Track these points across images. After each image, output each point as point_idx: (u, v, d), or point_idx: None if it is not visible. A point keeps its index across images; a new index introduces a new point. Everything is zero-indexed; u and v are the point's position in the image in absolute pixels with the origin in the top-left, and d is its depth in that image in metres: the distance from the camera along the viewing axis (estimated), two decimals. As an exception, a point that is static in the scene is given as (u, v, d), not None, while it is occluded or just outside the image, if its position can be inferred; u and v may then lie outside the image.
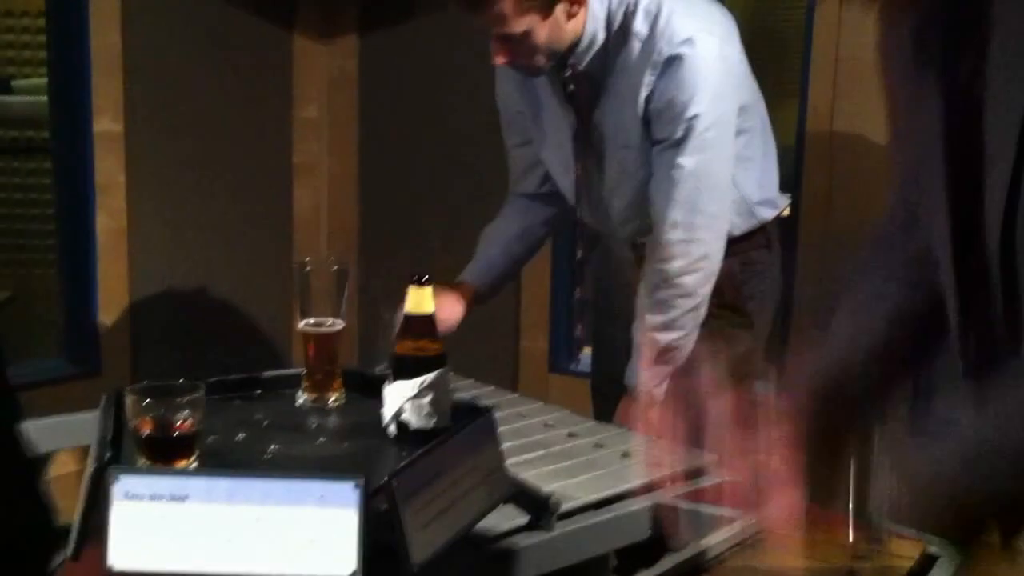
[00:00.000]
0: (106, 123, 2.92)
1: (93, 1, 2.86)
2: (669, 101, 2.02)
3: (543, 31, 2.00)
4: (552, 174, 2.32)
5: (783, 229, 2.39)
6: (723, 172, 2.09)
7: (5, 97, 3.90)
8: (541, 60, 2.06)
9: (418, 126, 3.08)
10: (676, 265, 2.07)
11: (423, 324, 1.71)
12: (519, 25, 1.98)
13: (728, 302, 2.23)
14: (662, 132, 2.06)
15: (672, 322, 2.10)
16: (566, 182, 2.28)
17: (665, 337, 2.10)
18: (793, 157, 2.81)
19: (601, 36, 2.07)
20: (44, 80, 3.26)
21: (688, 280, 2.08)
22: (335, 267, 1.90)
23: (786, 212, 2.80)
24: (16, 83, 4.00)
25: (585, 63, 2.10)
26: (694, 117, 2.01)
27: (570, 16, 2.03)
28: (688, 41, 2.00)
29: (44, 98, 3.18)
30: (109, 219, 2.97)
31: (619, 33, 2.06)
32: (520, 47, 2.01)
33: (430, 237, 3.07)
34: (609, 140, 2.14)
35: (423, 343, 1.69)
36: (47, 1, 3.02)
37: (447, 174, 3.08)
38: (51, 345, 3.27)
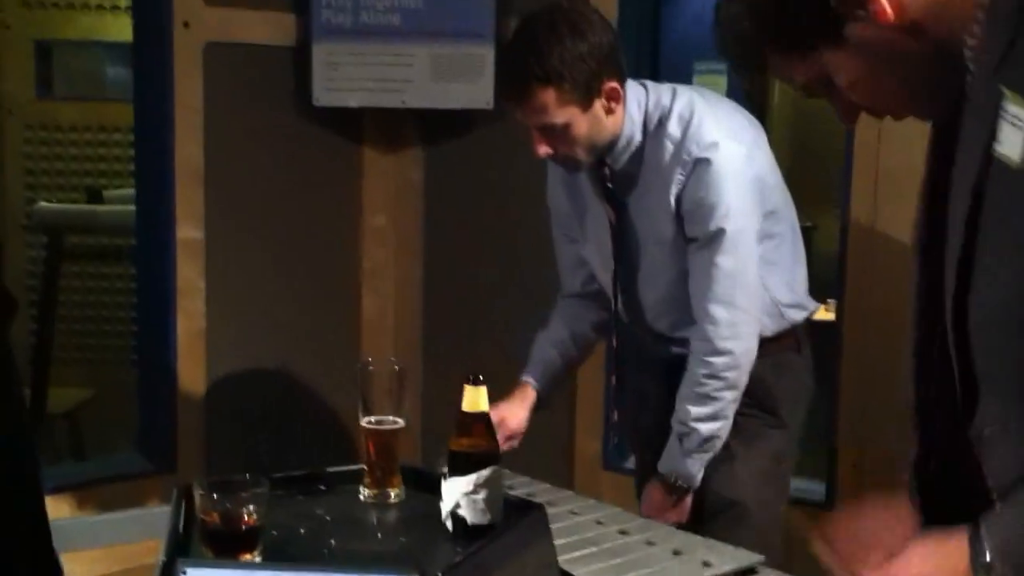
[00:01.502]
0: (188, 231, 3.06)
1: (178, 117, 3.01)
2: (699, 202, 2.12)
3: (583, 124, 2.10)
4: (595, 272, 2.40)
5: (825, 334, 2.43)
6: (754, 271, 2.18)
7: (96, 206, 4.10)
8: (581, 153, 2.15)
9: (480, 234, 3.18)
10: (722, 360, 2.15)
11: (478, 422, 1.78)
12: (560, 116, 2.08)
13: (761, 403, 2.28)
14: (695, 231, 2.15)
15: (717, 413, 2.17)
16: (606, 278, 2.36)
17: (709, 427, 2.18)
18: (836, 263, 2.86)
19: (638, 138, 2.18)
20: (132, 190, 3.42)
21: (732, 374, 2.16)
22: (396, 367, 1.98)
23: (827, 314, 2.83)
24: (107, 193, 4.22)
25: (622, 163, 2.21)
26: (724, 218, 2.11)
27: (609, 112, 2.14)
28: (715, 145, 2.12)
29: (132, 207, 3.33)
30: (188, 321, 3.09)
31: (654, 135, 2.17)
32: (561, 139, 2.11)
33: (491, 341, 3.15)
34: (643, 235, 2.24)
35: (477, 440, 1.76)
36: (136, 117, 3.18)
37: (508, 280, 3.17)
38: (129, 442, 3.38)
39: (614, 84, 2.11)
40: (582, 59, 2.05)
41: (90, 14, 4.68)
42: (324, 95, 3.05)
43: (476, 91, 3.03)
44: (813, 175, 4.52)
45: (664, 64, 3.20)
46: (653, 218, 2.20)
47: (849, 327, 2.81)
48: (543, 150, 2.14)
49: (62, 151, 4.67)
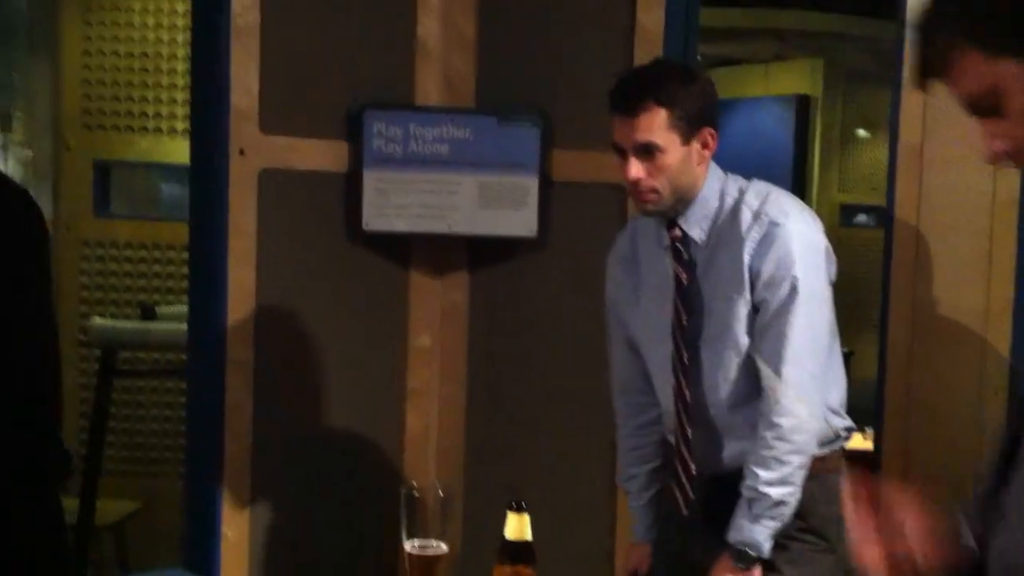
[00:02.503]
0: (238, 351, 3.14)
1: (232, 240, 3.11)
2: (772, 264, 2.22)
3: (677, 156, 2.24)
4: (645, 354, 2.46)
5: (863, 465, 2.45)
6: (824, 335, 2.27)
7: (149, 324, 4.21)
8: (665, 187, 2.26)
9: (523, 357, 3.24)
10: (789, 422, 2.20)
11: (521, 550, 1.82)
12: (662, 139, 2.23)
13: (811, 526, 2.31)
14: (765, 294, 2.23)
15: (786, 478, 2.21)
16: (658, 353, 2.40)
17: (779, 492, 2.20)
18: (874, 392, 2.89)
19: (714, 204, 2.30)
20: (184, 307, 3.51)
21: (800, 438, 2.21)
22: (441, 492, 2.02)
23: (865, 443, 2.85)
24: (160, 310, 4.33)
25: (695, 226, 2.31)
26: (797, 279, 2.21)
27: (700, 160, 2.28)
28: (791, 215, 2.26)
29: (183, 325, 3.42)
30: (235, 439, 3.15)
31: (732, 208, 2.29)
32: (653, 167, 2.24)
33: (534, 465, 3.19)
34: (708, 295, 2.31)
35: (520, 568, 1.80)
36: (191, 239, 3.28)
37: (551, 404, 3.22)
38: (174, 556, 3.41)
39: (712, 133, 2.28)
40: (693, 96, 2.25)
41: (148, 137, 4.87)
42: (374, 220, 3.15)
43: (521, 219, 3.12)
44: (851, 301, 4.57)
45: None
46: (723, 276, 2.29)
47: (888, 457, 2.83)
48: (635, 171, 2.25)
49: (117, 267, 4.83)
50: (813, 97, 7.52)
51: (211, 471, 3.17)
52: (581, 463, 3.17)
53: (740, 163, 2.47)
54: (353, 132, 3.16)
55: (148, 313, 4.28)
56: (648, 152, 2.24)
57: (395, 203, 3.14)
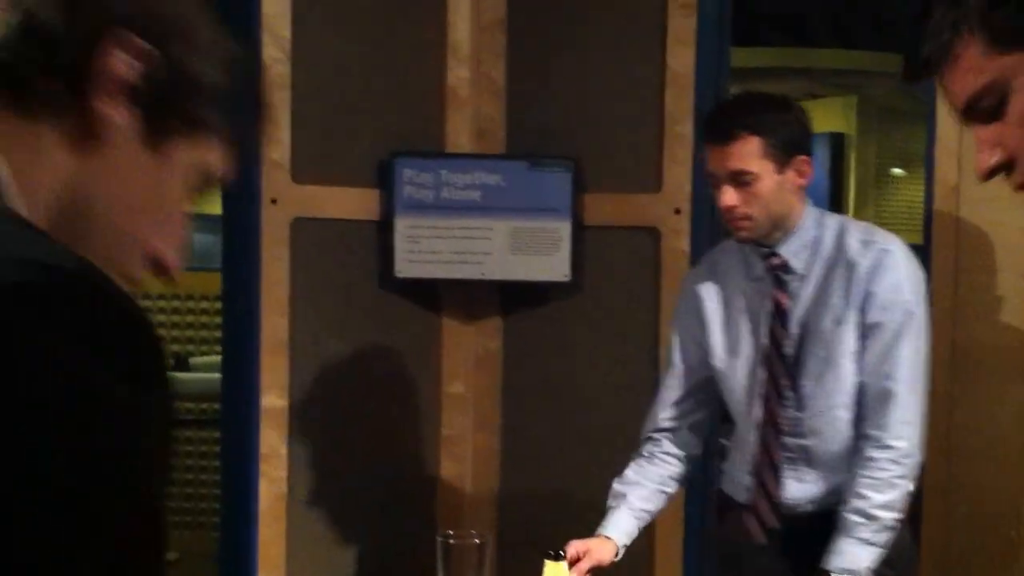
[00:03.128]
0: (272, 399, 3.14)
1: (264, 289, 3.12)
2: (887, 287, 2.23)
3: (771, 183, 2.24)
4: (727, 387, 2.42)
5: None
6: (926, 365, 2.27)
7: (182, 374, 4.22)
8: (760, 214, 2.26)
9: (557, 403, 3.22)
10: (903, 445, 2.20)
11: (557, 600, 1.79)
12: (755, 166, 2.23)
13: (899, 572, 2.27)
14: (879, 316, 2.23)
15: (894, 502, 2.18)
16: (743, 389, 2.37)
17: (889, 516, 2.17)
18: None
19: (812, 234, 2.31)
20: (218, 358, 3.51)
21: (910, 462, 2.20)
22: (477, 540, 2.00)
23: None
24: (193, 360, 4.35)
25: (793, 257, 2.30)
26: (913, 303, 2.23)
27: (794, 189, 2.28)
28: (899, 244, 2.28)
29: (217, 375, 3.42)
30: (270, 487, 3.14)
31: (835, 239, 2.30)
32: (747, 194, 2.24)
33: (568, 512, 3.15)
34: (814, 324, 2.29)
35: (557, 618, 1.77)
36: (224, 288, 3.29)
37: (586, 449, 3.19)
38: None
39: (807, 161, 2.29)
40: (788, 124, 2.27)
41: (181, 187, 4.90)
42: (406, 267, 3.15)
43: (553, 264, 3.11)
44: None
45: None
46: (832, 302, 2.28)
47: (929, 498, 2.78)
48: (728, 199, 2.25)
49: (150, 318, 4.85)
50: (847, 135, 7.51)
51: (246, 520, 3.16)
52: (618, 509, 3.13)
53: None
54: (384, 180, 3.17)
55: (181, 363, 4.29)
56: (742, 180, 2.23)
57: (427, 250, 3.14)
